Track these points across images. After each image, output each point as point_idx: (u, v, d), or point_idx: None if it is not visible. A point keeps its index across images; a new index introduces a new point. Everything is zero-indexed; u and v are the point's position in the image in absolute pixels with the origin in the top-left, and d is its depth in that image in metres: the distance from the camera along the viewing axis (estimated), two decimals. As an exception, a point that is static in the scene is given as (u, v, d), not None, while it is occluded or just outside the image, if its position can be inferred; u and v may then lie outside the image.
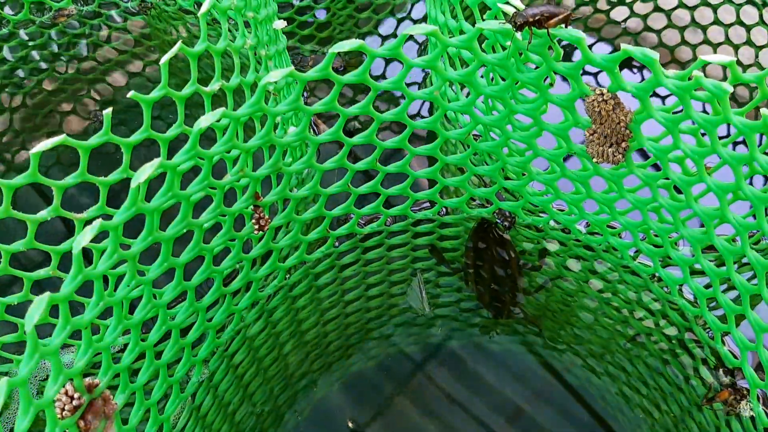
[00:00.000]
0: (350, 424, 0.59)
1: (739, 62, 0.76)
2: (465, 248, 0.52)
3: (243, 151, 0.37)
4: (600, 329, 0.55)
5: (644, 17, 0.80)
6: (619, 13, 0.81)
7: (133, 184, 0.31)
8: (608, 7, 0.81)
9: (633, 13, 0.80)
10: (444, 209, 0.50)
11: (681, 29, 0.78)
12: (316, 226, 0.47)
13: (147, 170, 0.32)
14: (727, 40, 0.75)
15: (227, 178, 0.37)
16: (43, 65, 0.74)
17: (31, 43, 0.72)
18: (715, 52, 0.77)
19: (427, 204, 0.51)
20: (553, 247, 0.51)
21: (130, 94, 0.34)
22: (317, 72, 0.36)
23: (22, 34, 0.71)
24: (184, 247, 0.39)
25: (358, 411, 0.65)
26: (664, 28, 0.79)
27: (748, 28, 0.73)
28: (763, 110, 0.32)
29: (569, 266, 0.52)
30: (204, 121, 0.33)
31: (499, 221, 0.50)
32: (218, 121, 0.36)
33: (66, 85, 0.73)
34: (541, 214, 0.49)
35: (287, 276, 0.48)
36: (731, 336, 0.41)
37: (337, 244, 0.50)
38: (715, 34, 0.76)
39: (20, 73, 0.74)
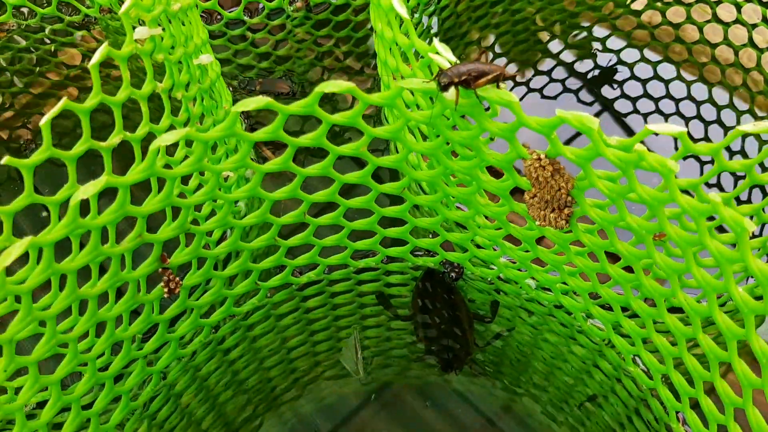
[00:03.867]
0: None
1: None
2: (412, 297, 0.49)
3: (139, 215, 0.33)
4: (558, 382, 0.52)
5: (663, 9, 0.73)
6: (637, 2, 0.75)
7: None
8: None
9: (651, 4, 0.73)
10: (388, 257, 0.47)
11: (700, 25, 0.71)
12: (243, 278, 0.43)
13: (15, 252, 0.28)
14: (750, 43, 0.68)
15: (123, 245, 0.34)
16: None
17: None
18: (736, 53, 0.69)
19: (371, 252, 0.47)
20: (505, 299, 0.47)
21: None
22: (220, 132, 0.32)
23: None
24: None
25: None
26: (684, 22, 0.72)
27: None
28: (712, 196, 0.28)
29: (523, 318, 0.48)
30: (82, 194, 0.29)
31: (446, 271, 0.47)
32: (123, 186, 0.33)
33: (14, 100, 0.70)
34: (491, 266, 0.45)
35: (213, 330, 0.45)
36: (686, 416, 0.38)
37: (270, 294, 0.46)
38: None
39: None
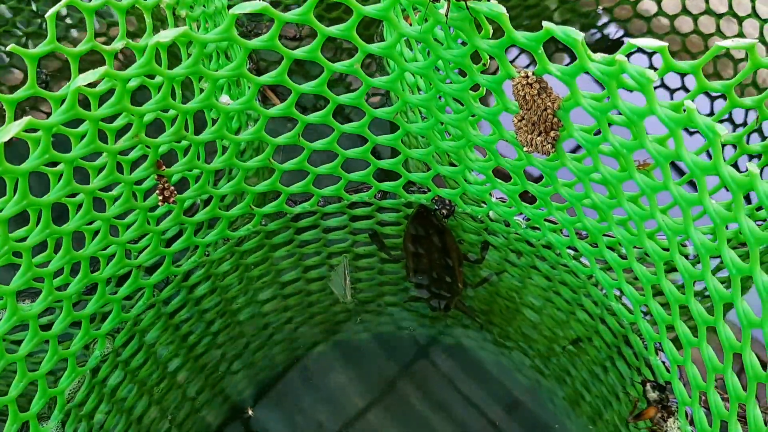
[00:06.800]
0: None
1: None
2: (404, 238, 0.50)
3: (137, 115, 0.34)
4: (544, 328, 0.52)
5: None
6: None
7: (-5, 142, 0.29)
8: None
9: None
10: (381, 193, 0.48)
11: (695, 17, 0.72)
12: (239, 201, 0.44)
13: (13, 129, 0.29)
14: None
15: (120, 143, 0.35)
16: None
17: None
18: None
19: (364, 186, 0.48)
20: (495, 240, 0.48)
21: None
22: (217, 35, 0.33)
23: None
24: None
25: (304, 392, 0.63)
26: (678, 14, 0.73)
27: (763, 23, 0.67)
28: (687, 103, 0.28)
29: (512, 260, 0.49)
30: (82, 80, 0.30)
31: (438, 208, 0.47)
32: (122, 80, 0.34)
33: (28, 40, 0.72)
34: (482, 204, 0.46)
35: (207, 252, 0.46)
36: (663, 345, 0.39)
37: (264, 222, 0.47)
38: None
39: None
